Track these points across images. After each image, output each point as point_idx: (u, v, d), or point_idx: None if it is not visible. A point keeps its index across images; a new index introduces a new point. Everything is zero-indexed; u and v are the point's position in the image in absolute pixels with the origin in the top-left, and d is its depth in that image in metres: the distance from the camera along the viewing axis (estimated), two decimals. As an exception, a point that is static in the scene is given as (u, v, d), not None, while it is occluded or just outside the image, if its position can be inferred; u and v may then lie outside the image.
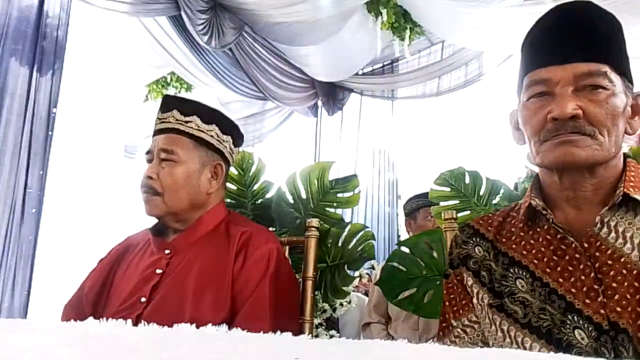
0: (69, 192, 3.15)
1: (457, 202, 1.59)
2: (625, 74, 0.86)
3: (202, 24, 3.93)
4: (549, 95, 0.85)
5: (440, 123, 5.69)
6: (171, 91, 5.22)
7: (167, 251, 1.28)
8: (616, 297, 0.77)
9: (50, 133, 2.88)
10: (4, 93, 2.75)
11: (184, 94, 5.21)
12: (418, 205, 2.67)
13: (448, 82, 5.44)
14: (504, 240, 0.95)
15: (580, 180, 0.85)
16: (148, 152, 1.33)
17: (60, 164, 3.03)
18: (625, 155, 0.90)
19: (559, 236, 0.86)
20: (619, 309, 0.76)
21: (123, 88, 3.87)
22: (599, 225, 0.82)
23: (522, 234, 0.92)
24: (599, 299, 0.78)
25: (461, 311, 0.96)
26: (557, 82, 0.83)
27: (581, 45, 0.84)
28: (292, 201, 1.59)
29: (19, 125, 2.77)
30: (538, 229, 0.90)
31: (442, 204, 1.63)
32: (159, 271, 1.24)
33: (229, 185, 1.62)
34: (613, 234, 0.81)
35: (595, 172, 0.84)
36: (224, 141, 1.36)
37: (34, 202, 2.78)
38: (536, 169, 0.97)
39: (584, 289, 0.80)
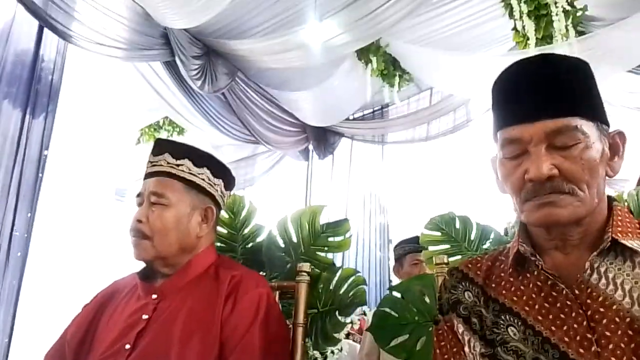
0: (57, 236, 3.11)
1: (448, 246, 1.59)
2: (598, 118, 0.85)
3: (196, 69, 4.00)
4: (523, 153, 0.84)
5: (429, 167, 5.75)
6: (163, 134, 5.25)
7: (154, 296, 1.25)
8: (610, 346, 0.76)
9: (40, 175, 2.87)
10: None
11: (176, 137, 5.24)
12: (405, 251, 2.67)
13: (437, 128, 5.54)
14: (493, 285, 0.93)
15: (567, 232, 0.85)
16: (138, 195, 1.32)
17: (49, 206, 3.00)
18: (611, 199, 0.89)
19: (549, 282, 0.85)
20: (613, 359, 0.75)
21: (115, 131, 3.89)
22: (588, 271, 0.81)
23: (511, 279, 0.91)
24: (593, 349, 0.76)
25: (452, 359, 0.94)
26: (529, 140, 0.82)
27: (548, 101, 0.82)
28: (282, 245, 1.58)
29: (9, 167, 2.75)
30: (528, 275, 0.89)
31: (432, 248, 1.63)
32: (145, 317, 1.21)
33: (219, 229, 1.61)
34: (604, 280, 0.80)
35: (581, 223, 0.84)
36: (215, 184, 1.35)
37: (20, 246, 2.73)
38: None
39: (577, 337, 0.78)
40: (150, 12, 3.53)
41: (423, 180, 5.68)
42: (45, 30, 3.01)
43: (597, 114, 0.85)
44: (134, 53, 3.56)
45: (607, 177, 0.85)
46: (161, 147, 1.35)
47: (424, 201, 5.38)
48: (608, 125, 0.87)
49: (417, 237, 1.79)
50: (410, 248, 2.62)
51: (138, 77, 4.16)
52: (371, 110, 6.02)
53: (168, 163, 1.31)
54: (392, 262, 5.16)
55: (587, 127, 0.82)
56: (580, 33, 3.57)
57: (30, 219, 2.79)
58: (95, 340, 1.24)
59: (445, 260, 1.43)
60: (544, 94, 0.83)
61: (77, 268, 3.22)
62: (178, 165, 1.31)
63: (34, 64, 2.99)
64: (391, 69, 4.80)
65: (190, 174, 1.31)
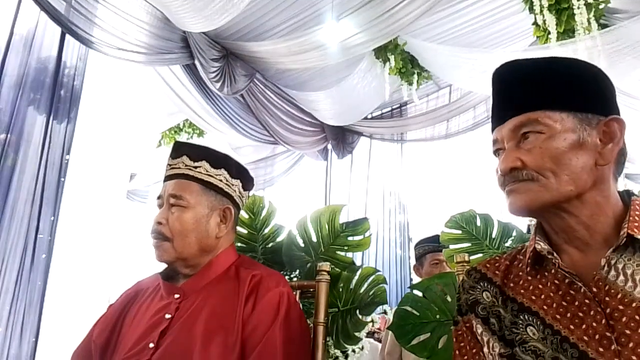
0: (79, 238, 3.17)
1: (469, 244, 1.58)
2: (580, 108, 0.86)
3: (215, 71, 4.05)
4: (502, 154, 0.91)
5: (449, 165, 5.70)
6: (183, 136, 5.32)
7: (176, 296, 1.27)
8: (630, 344, 0.74)
9: (62, 179, 2.94)
10: (20, 140, 2.83)
11: (196, 139, 5.31)
12: (425, 251, 2.65)
13: (456, 125, 5.49)
14: (511, 285, 0.93)
15: (562, 222, 0.85)
16: (159, 198, 1.34)
17: (72, 209, 3.07)
18: (630, 194, 0.89)
19: (567, 281, 0.84)
20: (634, 358, 0.73)
21: (136, 134, 3.95)
22: (605, 267, 0.80)
23: (529, 278, 0.90)
24: (613, 347, 0.75)
25: None
26: (502, 140, 0.90)
27: (513, 100, 0.90)
28: (302, 245, 1.58)
29: (34, 172, 2.83)
30: (545, 273, 0.88)
31: (453, 246, 1.62)
32: (168, 316, 1.23)
33: (239, 229, 1.62)
34: (622, 277, 0.79)
35: (568, 211, 0.84)
36: (233, 185, 1.37)
37: (44, 248, 2.80)
38: None
39: (596, 336, 0.77)
40: (170, 17, 3.58)
41: (443, 178, 5.64)
42: (67, 36, 3.07)
43: (575, 104, 0.87)
44: (154, 57, 3.61)
45: (600, 166, 0.84)
46: (179, 150, 1.37)
47: (444, 199, 5.34)
48: (603, 114, 0.87)
49: (437, 236, 1.78)
50: (430, 248, 2.60)
51: (158, 81, 4.23)
52: (390, 108, 6.01)
53: (186, 165, 1.33)
54: (412, 260, 5.15)
55: (555, 118, 0.85)
56: (602, 26, 3.50)
57: (54, 222, 2.85)
58: (120, 340, 1.27)
59: (466, 259, 1.42)
60: (509, 95, 0.91)
61: (101, 269, 3.28)
62: (196, 167, 1.33)
63: (56, 70, 3.07)
64: (409, 67, 4.78)
65: (208, 175, 1.33)
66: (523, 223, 1.69)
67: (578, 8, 3.35)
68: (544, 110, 0.86)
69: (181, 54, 3.81)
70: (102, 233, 3.30)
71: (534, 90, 0.89)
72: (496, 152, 0.93)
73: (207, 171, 1.33)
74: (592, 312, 0.79)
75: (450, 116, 5.47)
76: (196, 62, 3.90)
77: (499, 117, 0.92)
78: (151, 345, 1.18)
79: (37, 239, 2.76)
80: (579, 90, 0.88)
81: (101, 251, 3.30)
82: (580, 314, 0.80)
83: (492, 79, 0.96)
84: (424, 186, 5.83)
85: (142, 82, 4.08)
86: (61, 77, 3.09)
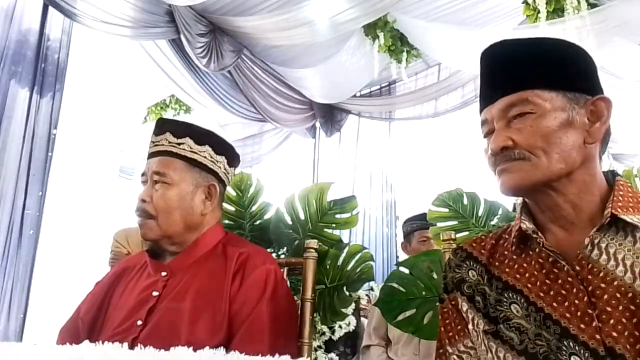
0: (67, 214, 3.14)
1: (456, 223, 1.60)
2: (567, 87, 0.87)
3: (201, 47, 3.98)
4: (492, 133, 0.90)
5: (437, 144, 5.72)
6: (170, 113, 5.25)
7: (163, 273, 1.27)
8: (611, 321, 0.76)
9: (50, 154, 2.90)
10: (3, 115, 2.77)
11: (182, 116, 5.25)
12: (412, 228, 2.68)
13: (445, 104, 5.49)
14: (497, 263, 0.94)
15: (550, 200, 0.86)
16: (142, 175, 1.33)
17: (59, 185, 3.03)
18: (614, 174, 0.90)
19: (550, 259, 0.85)
20: (614, 334, 0.75)
21: (123, 110, 3.90)
22: (589, 247, 0.82)
23: (514, 257, 0.92)
24: (594, 324, 0.77)
25: (457, 337, 0.95)
26: (492, 120, 0.90)
27: (503, 81, 0.90)
28: (290, 222, 1.59)
29: (19, 147, 2.78)
30: (530, 252, 0.90)
31: (440, 224, 1.63)
32: (155, 294, 1.23)
33: (227, 206, 1.62)
34: (604, 256, 0.80)
35: (557, 189, 0.85)
36: (217, 162, 1.35)
37: (32, 224, 2.77)
38: None
39: (578, 313, 0.79)
40: (155, -10, 3.50)
41: (431, 156, 5.66)
42: (50, 9, 2.99)
43: (564, 83, 0.87)
44: (139, 31, 3.54)
45: (588, 144, 0.85)
46: (162, 126, 1.36)
47: (432, 178, 5.37)
48: (590, 93, 0.88)
49: (424, 214, 1.79)
50: (418, 225, 2.63)
51: (144, 56, 4.14)
52: (378, 86, 5.98)
53: (169, 142, 1.31)
54: (399, 239, 5.20)
55: (545, 97, 0.85)
56: (592, 6, 3.49)
57: (42, 198, 2.82)
58: (107, 317, 1.27)
59: (453, 237, 1.44)
60: (499, 75, 0.92)
61: (88, 245, 3.26)
62: (179, 143, 1.31)
63: (39, 43, 2.99)
64: (398, 44, 4.73)
65: (192, 151, 1.31)
66: (509, 202, 1.71)
67: (568, -14, 3.34)
68: (534, 89, 0.86)
69: (167, 28, 3.73)
70: (90, 209, 3.28)
71: (523, 70, 0.89)
72: (486, 133, 0.93)
73: (190, 148, 1.31)
74: (574, 290, 0.80)
75: (439, 95, 5.46)
76: (182, 37, 3.82)
77: (487, 97, 0.92)
78: (139, 322, 1.18)
79: (25, 215, 2.73)
80: (567, 69, 0.89)
81: (90, 227, 3.28)
82: (563, 292, 0.82)
83: (480, 60, 0.96)
84: (411, 165, 5.85)
85: (128, 57, 4.00)
86: (44, 50, 3.01)
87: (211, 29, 4.15)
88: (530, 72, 0.88)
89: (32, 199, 2.78)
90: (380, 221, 5.79)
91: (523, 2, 3.67)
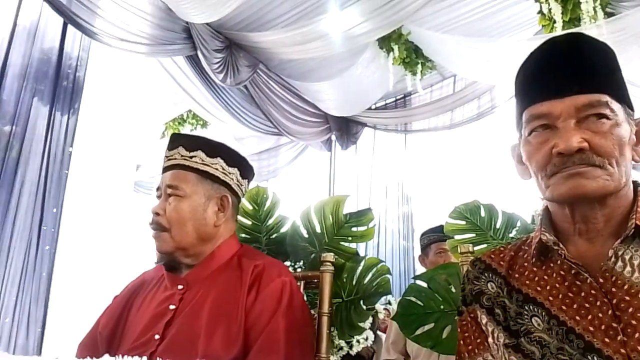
0: (85, 230, 3.18)
1: (473, 235, 1.58)
2: (625, 102, 0.84)
3: (218, 62, 4.03)
4: (551, 129, 0.83)
5: (454, 156, 5.68)
6: (187, 128, 5.32)
7: (180, 286, 1.28)
8: (636, 335, 0.74)
9: (66, 171, 2.94)
10: (25, 132, 2.83)
11: (199, 131, 5.30)
12: (429, 241, 2.65)
13: (461, 115, 5.46)
14: (516, 275, 0.92)
15: (591, 213, 0.83)
16: (157, 189, 1.36)
17: (76, 201, 3.08)
18: (637, 185, 0.87)
19: (573, 271, 0.83)
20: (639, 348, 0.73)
21: (140, 125, 3.95)
22: (613, 259, 0.79)
23: (534, 269, 0.89)
24: (619, 338, 0.74)
25: (476, 350, 0.93)
26: (558, 115, 0.82)
27: (579, 76, 0.82)
28: (306, 235, 1.58)
29: (38, 164, 2.83)
30: (551, 264, 0.87)
31: (457, 237, 1.62)
32: (172, 307, 1.24)
33: (243, 220, 1.62)
34: (628, 268, 0.78)
35: (605, 203, 0.82)
36: (230, 173, 1.36)
37: (49, 240, 2.81)
38: None
39: (602, 327, 0.76)
40: (172, 7, 3.56)
41: (447, 168, 5.61)
42: (70, 27, 3.06)
43: (624, 97, 0.85)
44: (156, 48, 3.60)
45: (635, 162, 0.84)
46: (175, 141, 1.38)
47: (449, 190, 5.33)
48: (633, 110, 0.85)
49: (442, 226, 1.77)
50: (435, 237, 2.60)
51: (161, 72, 4.21)
52: (394, 99, 5.98)
53: (182, 156, 1.34)
54: (416, 251, 5.15)
55: (617, 106, 0.82)
56: (608, 14, 3.46)
57: (58, 214, 2.86)
58: (125, 330, 1.28)
59: (471, 249, 1.42)
60: (575, 68, 0.83)
61: (105, 260, 3.29)
62: (191, 157, 1.33)
63: (59, 62, 3.06)
64: (413, 56, 4.74)
65: (204, 164, 1.33)
66: (527, 213, 1.69)
67: (584, -4, 3.31)
68: (609, 95, 0.82)
69: (184, 45, 3.80)
70: (107, 224, 3.31)
71: (602, 72, 0.83)
72: (538, 127, 0.85)
73: (202, 160, 1.33)
74: (598, 303, 0.78)
75: (455, 106, 5.43)
76: (199, 53, 3.88)
77: (553, 89, 0.83)
78: (157, 336, 1.19)
79: (42, 231, 2.77)
80: (624, 82, 0.86)
81: (107, 242, 3.31)
82: (586, 305, 0.79)
83: (548, 45, 0.88)
84: (428, 177, 5.81)
85: (145, 73, 4.07)
86: (64, 68, 3.08)
87: (227, 45, 4.21)
88: (608, 76, 0.84)
89: (48, 215, 2.82)
90: (396, 234, 5.75)
91: (539, 12, 3.65)
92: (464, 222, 1.61)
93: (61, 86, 3.02)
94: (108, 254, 3.31)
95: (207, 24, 3.93)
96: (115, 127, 3.51)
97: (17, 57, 2.85)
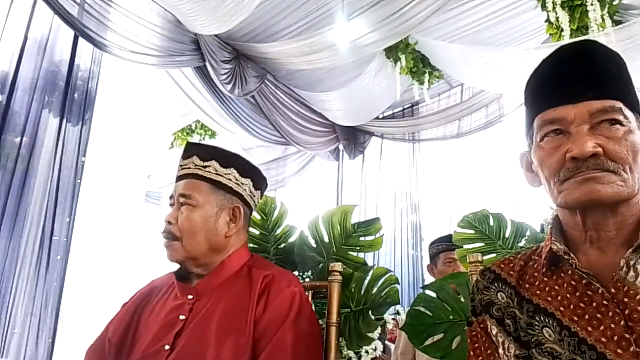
0: (95, 239, 3.20)
1: (482, 244, 1.57)
2: (637, 110, 0.84)
3: (226, 73, 4.07)
4: (564, 135, 0.83)
5: (462, 164, 5.67)
6: (195, 138, 5.36)
7: (190, 296, 1.28)
8: None
9: (78, 181, 2.97)
10: (35, 142, 2.86)
11: (208, 141, 5.34)
12: (438, 250, 2.64)
13: (469, 124, 5.45)
14: (527, 285, 0.91)
15: (603, 220, 0.82)
16: (170, 198, 1.36)
17: (88, 211, 3.10)
18: None
19: (584, 281, 0.82)
20: None
21: (149, 136, 3.99)
22: (624, 268, 0.78)
23: (545, 279, 0.88)
24: (632, 349, 0.73)
25: None
26: (571, 121, 0.81)
27: (592, 82, 0.82)
28: (314, 245, 1.58)
29: (48, 174, 2.86)
30: (562, 274, 0.86)
31: (466, 246, 1.61)
32: (182, 317, 1.24)
33: (251, 230, 1.63)
34: None
35: (618, 210, 0.81)
36: (242, 184, 1.37)
37: (61, 249, 2.83)
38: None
39: (615, 338, 0.75)
40: (181, 19, 3.60)
41: (456, 177, 5.60)
42: (81, 39, 3.11)
43: (636, 105, 0.84)
44: (165, 59, 3.64)
45: None
46: (190, 150, 1.39)
47: (457, 199, 5.31)
48: None
49: (450, 236, 1.77)
50: (443, 247, 2.59)
51: (170, 83, 4.25)
52: (401, 108, 5.99)
53: (195, 165, 1.34)
54: (425, 261, 5.12)
55: (629, 113, 0.81)
56: (616, 22, 3.45)
57: (70, 224, 2.88)
58: (136, 338, 1.28)
59: (480, 259, 1.41)
60: (588, 74, 0.82)
61: (116, 269, 3.31)
62: (205, 166, 1.33)
63: (70, 73, 3.10)
64: (420, 66, 4.76)
65: (217, 174, 1.33)
66: (536, 222, 1.68)
67: (591, 4, 3.31)
68: (623, 101, 0.81)
69: (192, 56, 3.83)
70: (118, 234, 3.33)
71: (615, 79, 0.83)
72: (551, 131, 0.84)
73: (216, 170, 1.33)
74: (610, 314, 0.77)
75: (462, 115, 5.43)
76: (207, 64, 3.92)
77: (566, 94, 0.83)
78: (167, 347, 1.19)
79: (52, 241, 2.79)
80: (635, 91, 0.86)
81: (117, 252, 3.33)
82: (599, 315, 0.78)
83: (561, 51, 0.88)
84: (436, 186, 5.80)
85: (154, 84, 4.11)
86: (75, 80, 3.12)
87: (235, 56, 4.25)
88: (621, 83, 0.84)
89: (60, 224, 2.85)
90: (405, 243, 5.73)
91: (546, 21, 3.65)
92: (472, 231, 1.60)
93: (72, 97, 3.06)
94: (119, 263, 3.32)
95: (215, 35, 3.97)
96: (126, 138, 3.55)
97: (28, 70, 2.90)
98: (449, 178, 5.67)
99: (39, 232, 2.76)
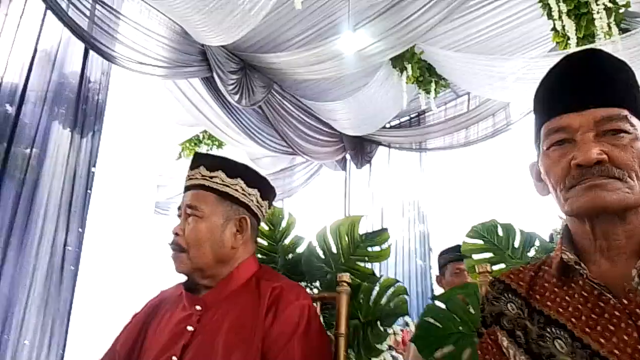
0: (105, 250, 3.21)
1: (491, 255, 1.56)
2: None
3: (233, 83, 4.09)
4: (570, 143, 0.83)
5: (470, 173, 5.65)
6: (203, 148, 5.38)
7: (198, 307, 1.28)
8: None
9: (89, 191, 2.99)
10: (45, 154, 2.89)
11: (215, 151, 5.36)
12: (446, 260, 2.62)
13: (476, 133, 5.44)
14: (537, 296, 0.90)
15: (612, 228, 0.81)
16: (178, 209, 1.36)
17: (99, 221, 3.12)
18: None
19: (595, 292, 0.81)
20: None
21: (158, 146, 4.01)
22: (636, 279, 0.78)
23: (555, 289, 0.87)
24: None
25: None
26: (577, 128, 0.82)
27: (598, 90, 0.83)
28: (322, 256, 1.58)
29: (60, 185, 2.88)
30: (572, 285, 0.85)
31: (475, 257, 1.60)
32: (190, 329, 1.24)
33: (259, 240, 1.63)
34: None
35: (626, 218, 0.80)
36: (249, 195, 1.36)
37: (72, 260, 2.84)
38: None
39: (628, 350, 0.74)
40: (189, 31, 3.64)
41: (464, 186, 5.58)
42: (90, 52, 3.14)
43: None
44: (173, 71, 3.68)
45: None
46: (197, 160, 1.39)
47: (465, 208, 5.28)
48: None
49: (458, 246, 1.76)
50: (451, 257, 2.57)
51: (177, 93, 4.29)
52: (408, 117, 6.00)
53: (202, 176, 1.34)
54: (433, 271, 5.09)
55: (636, 121, 0.81)
56: (623, 30, 3.45)
57: (81, 234, 2.90)
58: (144, 350, 1.28)
59: (489, 269, 1.40)
60: (593, 83, 0.83)
61: (126, 280, 3.32)
62: (212, 177, 1.33)
63: (80, 85, 3.13)
64: (427, 75, 4.76)
65: (223, 184, 1.33)
66: (546, 233, 1.67)
67: (597, 13, 3.30)
68: (628, 109, 0.82)
69: (200, 67, 3.87)
70: (128, 245, 3.34)
71: (620, 87, 0.84)
72: (559, 141, 0.85)
73: (222, 181, 1.33)
74: (623, 325, 0.76)
75: (469, 124, 5.42)
76: (214, 74, 3.95)
77: (571, 103, 0.84)
78: (174, 358, 1.19)
79: (66, 251, 2.80)
80: None
81: (127, 263, 3.34)
82: (611, 327, 0.77)
83: (566, 60, 0.89)
84: (444, 195, 5.77)
85: (162, 95, 4.15)
86: (85, 92, 3.15)
87: (242, 66, 4.28)
88: (627, 91, 0.84)
89: (72, 235, 2.86)
90: (413, 253, 5.70)
91: (552, 29, 3.65)
92: (481, 242, 1.59)
93: (82, 109, 3.09)
94: (129, 274, 3.33)
95: (222, 46, 4.00)
96: (135, 148, 3.57)
97: (38, 82, 2.92)
98: (457, 187, 5.65)
99: (50, 242, 2.77)
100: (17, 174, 2.71)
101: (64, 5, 2.87)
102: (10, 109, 2.76)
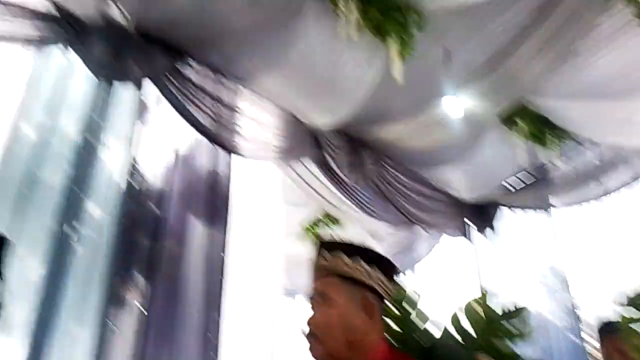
0: (241, 336, 3.32)
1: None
2: None
3: (345, 161, 4.21)
4: None
5: (607, 229, 5.04)
6: (322, 228, 5.49)
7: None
8: None
9: (221, 278, 3.17)
10: (184, 246, 3.13)
11: (335, 231, 5.45)
12: (601, 337, 2.30)
13: (610, 183, 4.93)
14: None
15: None
16: (308, 296, 1.40)
17: (232, 308, 3.25)
18: None
19: None
20: None
21: (281, 230, 4.17)
22: None
23: None
24: None
25: None
26: None
27: None
28: (459, 339, 1.49)
29: (196, 274, 3.09)
30: None
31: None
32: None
33: (389, 322, 1.59)
34: None
35: None
36: (371, 275, 1.36)
37: (212, 347, 2.97)
38: None
39: None
40: (299, 116, 3.87)
41: (605, 245, 4.97)
42: (214, 146, 3.45)
43: None
44: (286, 154, 3.89)
45: None
46: (319, 246, 1.44)
47: (613, 269, 4.68)
48: None
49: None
50: (608, 330, 2.25)
51: (293, 176, 4.48)
52: (528, 174, 5.64)
53: (325, 260, 1.37)
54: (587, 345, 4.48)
55: None
56: None
57: (218, 321, 3.03)
58: None
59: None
60: None
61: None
62: (334, 260, 1.37)
63: (209, 179, 3.42)
64: (542, 127, 4.49)
65: (347, 267, 1.35)
66: None
67: None
68: None
69: (312, 149, 4.05)
70: (260, 329, 3.42)
71: None
72: None
73: (345, 263, 1.35)
74: None
75: (600, 174, 4.95)
76: (325, 154, 4.11)
77: None
78: None
79: (208, 339, 2.93)
80: None
81: (260, 349, 3.39)
82: None
83: None
84: (585, 257, 5.17)
85: (278, 179, 4.35)
86: (212, 184, 3.42)
87: (352, 143, 4.40)
88: None
89: (209, 321, 3.00)
90: (559, 326, 5.08)
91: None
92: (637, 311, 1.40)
93: (212, 201, 3.34)
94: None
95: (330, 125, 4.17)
96: (262, 233, 3.76)
97: (177, 181, 3.23)
98: (599, 246, 5.02)
99: (196, 333, 2.92)
100: (163, 268, 2.96)
101: (191, 109, 3.20)
102: (159, 211, 3.07)
